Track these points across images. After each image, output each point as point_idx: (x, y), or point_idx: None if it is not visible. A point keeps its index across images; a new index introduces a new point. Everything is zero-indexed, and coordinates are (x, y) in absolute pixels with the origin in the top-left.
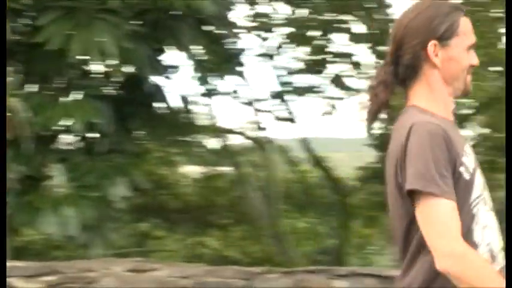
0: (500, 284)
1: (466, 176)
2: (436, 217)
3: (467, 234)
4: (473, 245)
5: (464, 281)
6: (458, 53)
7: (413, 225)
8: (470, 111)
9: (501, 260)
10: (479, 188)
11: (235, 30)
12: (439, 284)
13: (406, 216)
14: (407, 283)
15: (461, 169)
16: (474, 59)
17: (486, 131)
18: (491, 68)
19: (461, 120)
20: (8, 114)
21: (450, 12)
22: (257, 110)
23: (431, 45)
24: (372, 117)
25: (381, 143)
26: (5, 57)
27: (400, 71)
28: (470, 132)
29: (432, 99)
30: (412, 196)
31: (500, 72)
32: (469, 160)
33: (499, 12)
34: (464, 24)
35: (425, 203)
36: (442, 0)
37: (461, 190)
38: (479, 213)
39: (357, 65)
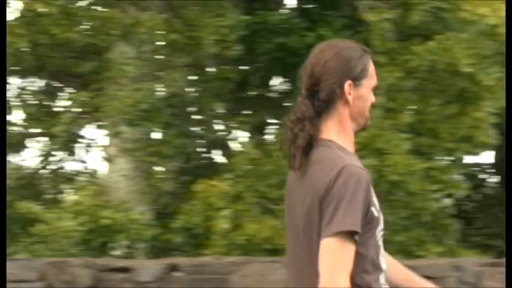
0: None
1: (375, 213)
2: (331, 253)
3: (375, 263)
4: (381, 271)
5: None
6: (367, 92)
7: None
8: None
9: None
10: (382, 223)
11: None
12: None
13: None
14: None
15: (372, 208)
16: (373, 98)
17: None
18: None
19: None
20: None
21: (362, 55)
22: None
23: (348, 84)
24: (303, 151)
25: None
26: (5, 57)
27: (316, 104)
28: None
29: (343, 134)
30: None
31: None
32: (375, 198)
33: None
34: (372, 66)
35: (330, 238)
36: (352, 43)
37: (372, 226)
38: (382, 244)
39: None
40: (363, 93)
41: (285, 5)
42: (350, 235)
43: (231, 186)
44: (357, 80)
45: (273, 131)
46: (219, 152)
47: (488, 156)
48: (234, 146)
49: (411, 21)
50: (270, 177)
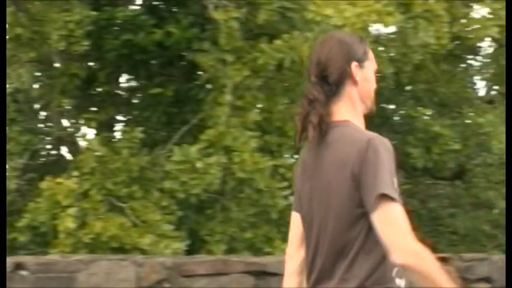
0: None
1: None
2: (397, 219)
3: None
4: None
5: (423, 273)
6: (370, 75)
7: (355, 227)
8: None
9: None
10: None
11: None
12: (381, 276)
13: (349, 218)
14: (357, 282)
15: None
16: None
17: None
18: None
19: None
20: None
21: (361, 41)
22: None
23: (354, 65)
24: (316, 127)
25: None
26: (5, 57)
27: (326, 89)
28: None
29: (355, 115)
30: (367, 200)
31: None
32: None
33: None
34: (370, 51)
35: (387, 206)
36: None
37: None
38: None
39: None
40: (368, 75)
41: (133, 1)
42: (397, 200)
43: (77, 183)
44: (361, 61)
45: (120, 128)
46: (66, 149)
47: None
48: (82, 143)
49: (258, 20)
50: (117, 174)
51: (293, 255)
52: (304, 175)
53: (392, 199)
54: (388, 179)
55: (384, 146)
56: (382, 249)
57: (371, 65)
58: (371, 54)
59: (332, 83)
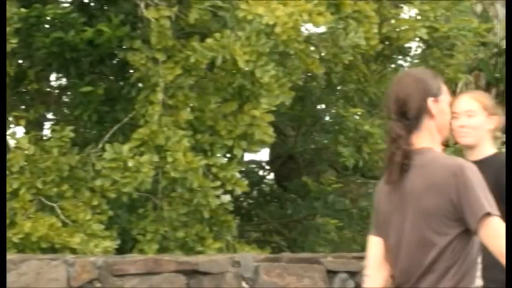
0: None
1: None
2: (503, 232)
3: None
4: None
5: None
6: (445, 107)
7: (446, 248)
8: None
9: None
10: None
11: None
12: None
13: (442, 239)
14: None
15: None
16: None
17: None
18: None
19: None
20: None
21: (435, 76)
22: None
23: (430, 100)
24: (400, 167)
25: None
26: (5, 57)
27: (406, 123)
28: None
29: (433, 144)
30: (472, 220)
31: None
32: None
33: None
34: (444, 85)
35: (493, 223)
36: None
37: None
38: None
39: None
40: (443, 108)
41: None
42: (498, 215)
43: (6, 183)
44: (436, 96)
45: (50, 126)
46: None
47: (264, 154)
48: (11, 141)
49: (190, 19)
50: (47, 173)
51: (374, 276)
52: (390, 200)
53: (495, 215)
54: (486, 198)
55: (473, 169)
56: (466, 266)
57: (445, 99)
58: (445, 88)
59: (411, 118)
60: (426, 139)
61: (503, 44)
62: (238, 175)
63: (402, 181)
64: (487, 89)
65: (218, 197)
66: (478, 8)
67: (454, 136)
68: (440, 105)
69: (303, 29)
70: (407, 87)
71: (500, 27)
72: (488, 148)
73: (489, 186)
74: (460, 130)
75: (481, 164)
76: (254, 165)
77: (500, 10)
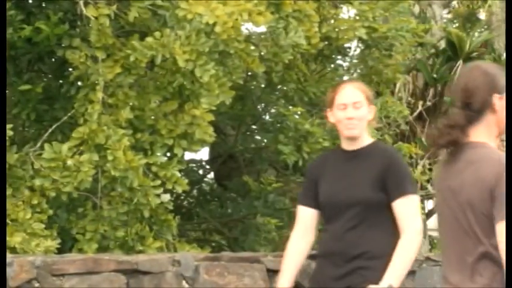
0: None
1: None
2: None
3: None
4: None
5: None
6: (504, 104)
7: (486, 239)
8: None
9: None
10: None
11: None
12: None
13: (485, 231)
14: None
15: None
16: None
17: None
18: None
19: None
20: None
21: (501, 72)
22: None
23: (496, 97)
24: (440, 149)
25: None
26: (5, 57)
27: (467, 114)
28: None
29: (489, 139)
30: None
31: None
32: None
33: None
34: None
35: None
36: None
37: None
38: None
39: None
40: (503, 105)
41: None
42: None
43: None
44: (501, 93)
45: None
46: None
47: (204, 153)
48: None
49: (129, 17)
50: None
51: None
52: (442, 191)
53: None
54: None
55: None
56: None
57: (504, 95)
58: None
59: (474, 110)
60: (483, 133)
61: (441, 44)
62: (178, 174)
63: (454, 172)
64: (425, 89)
65: (158, 196)
66: (416, 9)
67: (339, 128)
68: (502, 101)
69: (243, 28)
70: (475, 79)
71: (436, 28)
72: (366, 137)
73: (372, 173)
74: (348, 122)
75: (360, 152)
76: (194, 165)
77: (437, 11)
